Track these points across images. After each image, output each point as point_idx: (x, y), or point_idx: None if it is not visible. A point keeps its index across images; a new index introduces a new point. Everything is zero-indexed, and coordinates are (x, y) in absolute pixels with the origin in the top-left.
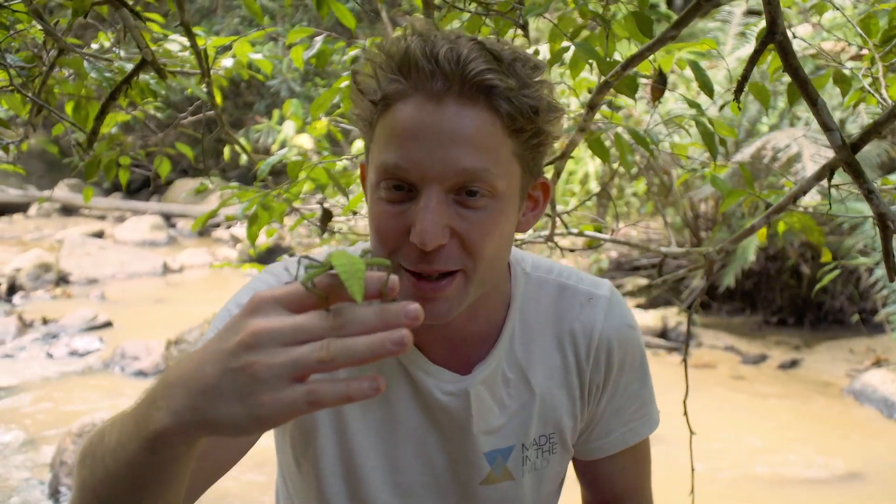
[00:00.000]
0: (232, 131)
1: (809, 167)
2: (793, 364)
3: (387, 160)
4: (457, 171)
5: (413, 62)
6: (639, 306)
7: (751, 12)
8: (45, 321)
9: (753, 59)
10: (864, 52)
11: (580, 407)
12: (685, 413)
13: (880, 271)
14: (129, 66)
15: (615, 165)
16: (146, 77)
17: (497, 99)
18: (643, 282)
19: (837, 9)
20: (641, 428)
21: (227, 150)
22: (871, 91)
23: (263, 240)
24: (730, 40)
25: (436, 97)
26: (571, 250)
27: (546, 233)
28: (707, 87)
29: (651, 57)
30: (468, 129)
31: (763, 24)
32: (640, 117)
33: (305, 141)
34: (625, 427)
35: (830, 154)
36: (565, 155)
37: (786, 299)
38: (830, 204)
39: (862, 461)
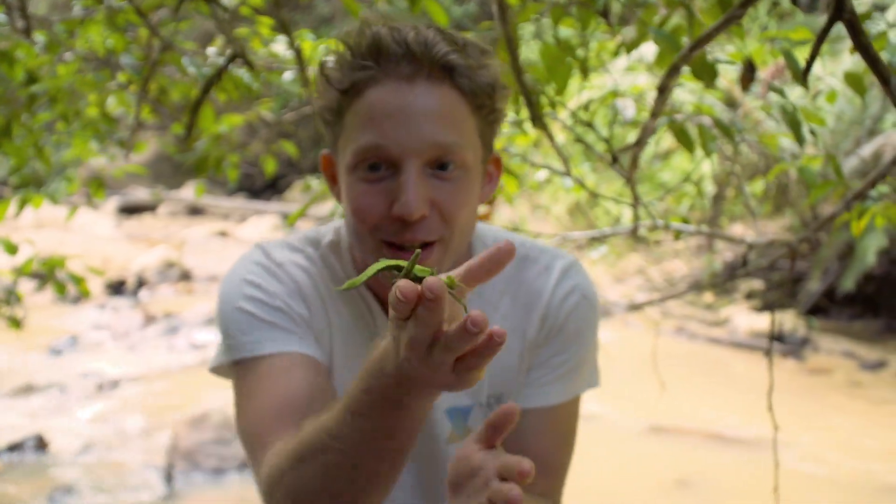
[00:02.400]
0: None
1: None
2: None
3: (366, 141)
4: (432, 144)
5: (384, 48)
6: (753, 309)
7: (876, 7)
8: (167, 315)
9: (821, 38)
10: None
11: (524, 367)
12: (769, 408)
13: None
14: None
15: (735, 167)
16: (242, 73)
17: (460, 78)
18: (758, 285)
19: None
20: (563, 390)
21: None
22: None
23: None
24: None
25: (406, 79)
26: (657, 242)
27: (630, 225)
28: (799, 76)
29: (742, 46)
30: (439, 106)
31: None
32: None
33: None
34: (546, 386)
35: None
36: (641, 142)
37: None
38: None
39: None
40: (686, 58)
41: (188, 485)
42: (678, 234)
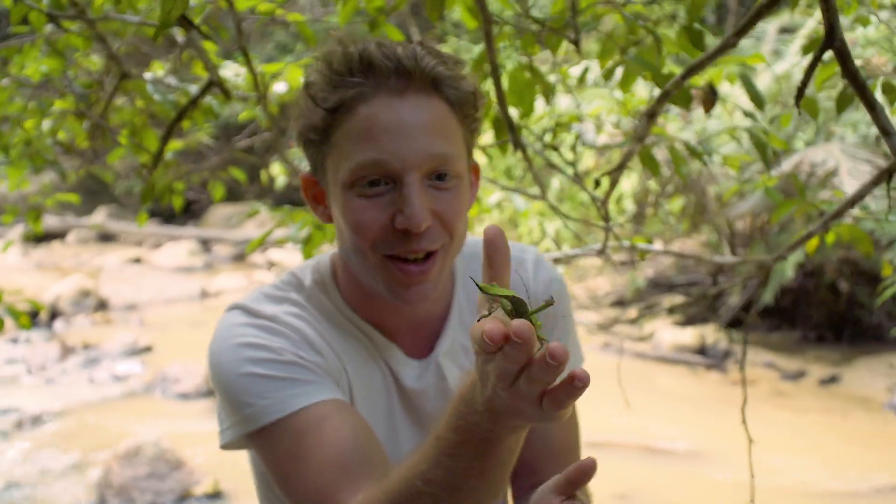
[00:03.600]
0: (268, 156)
1: (847, 182)
2: (832, 380)
3: (365, 157)
4: (430, 155)
5: (374, 63)
6: (676, 324)
7: (784, 30)
8: (86, 346)
9: (812, 66)
10: None
11: None
12: (743, 421)
13: None
14: (193, 89)
15: (650, 182)
16: (208, 99)
17: (447, 90)
18: (679, 300)
19: (882, 21)
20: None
21: (264, 175)
22: None
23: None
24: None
25: (398, 93)
26: (623, 263)
27: (598, 246)
28: (758, 100)
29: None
30: (432, 118)
31: (797, 43)
32: (674, 134)
33: None
34: None
35: (868, 169)
36: (622, 166)
37: (824, 315)
38: (890, 207)
39: None
40: (678, 84)
41: None
42: (643, 255)
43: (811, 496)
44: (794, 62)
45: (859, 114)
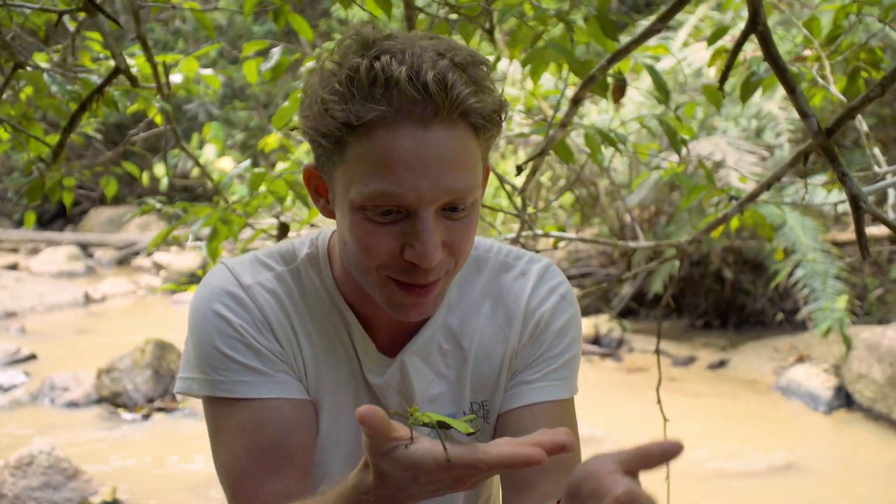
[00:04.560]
0: (148, 157)
1: (733, 173)
2: (721, 364)
3: (379, 188)
4: (448, 191)
5: (401, 88)
6: None
7: (668, 27)
8: None
9: (735, 51)
10: (807, 52)
11: (508, 372)
12: (658, 402)
13: (801, 271)
14: (94, 78)
15: (542, 177)
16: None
17: (474, 117)
18: (574, 291)
19: (784, 12)
20: (561, 389)
21: (145, 176)
22: (825, 84)
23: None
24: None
25: (423, 123)
26: (537, 251)
27: (513, 235)
28: (663, 90)
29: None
30: (455, 152)
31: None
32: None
33: (227, 164)
34: (542, 381)
35: (752, 160)
36: (544, 152)
37: (710, 303)
38: (806, 188)
39: (793, 452)
40: (604, 69)
41: None
42: (556, 243)
43: (708, 476)
44: (680, 57)
45: (738, 108)
